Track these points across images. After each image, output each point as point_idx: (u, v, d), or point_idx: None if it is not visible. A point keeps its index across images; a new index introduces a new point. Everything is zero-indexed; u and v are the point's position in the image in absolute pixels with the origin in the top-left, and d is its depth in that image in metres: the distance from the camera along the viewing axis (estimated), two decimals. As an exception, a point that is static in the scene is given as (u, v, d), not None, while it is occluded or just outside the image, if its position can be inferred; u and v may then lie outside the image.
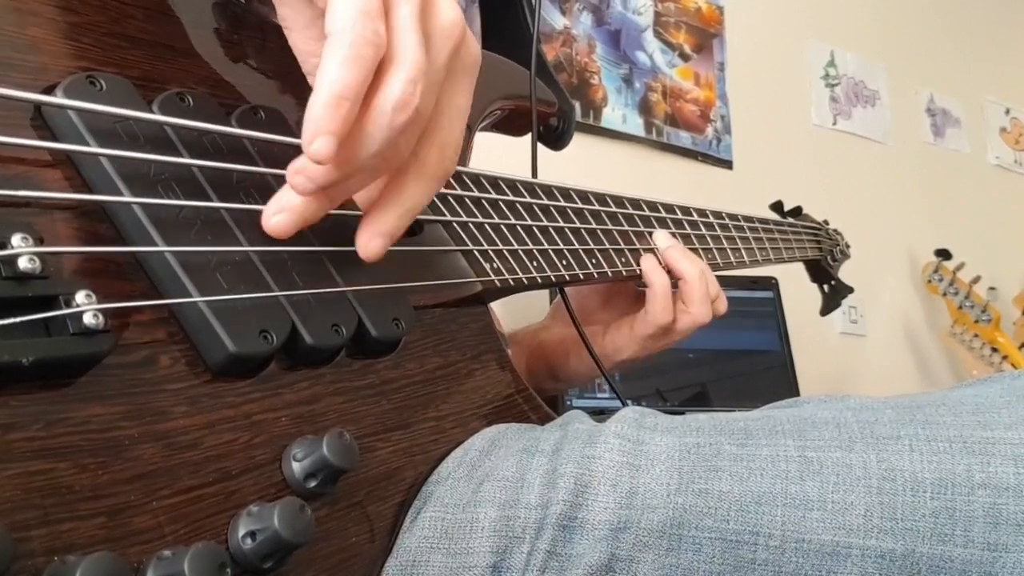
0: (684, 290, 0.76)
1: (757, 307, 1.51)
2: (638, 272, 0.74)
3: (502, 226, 0.59)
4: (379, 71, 0.37)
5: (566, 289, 0.83)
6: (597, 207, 0.71)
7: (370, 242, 0.41)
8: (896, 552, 0.40)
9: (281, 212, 0.38)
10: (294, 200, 0.38)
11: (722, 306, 0.80)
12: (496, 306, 0.67)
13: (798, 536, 0.41)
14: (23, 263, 0.31)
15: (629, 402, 0.59)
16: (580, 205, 0.69)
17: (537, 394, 0.66)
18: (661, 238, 0.77)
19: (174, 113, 0.40)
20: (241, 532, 0.34)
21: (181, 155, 0.39)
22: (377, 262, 0.42)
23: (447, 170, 0.42)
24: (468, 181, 0.58)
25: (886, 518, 0.41)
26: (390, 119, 0.37)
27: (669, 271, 0.76)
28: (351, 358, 0.44)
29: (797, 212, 1.19)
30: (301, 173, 0.38)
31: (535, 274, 0.60)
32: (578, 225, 0.67)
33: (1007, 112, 2.57)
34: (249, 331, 0.38)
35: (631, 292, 0.83)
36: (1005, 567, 0.39)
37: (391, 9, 0.37)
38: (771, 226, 1.01)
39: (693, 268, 0.76)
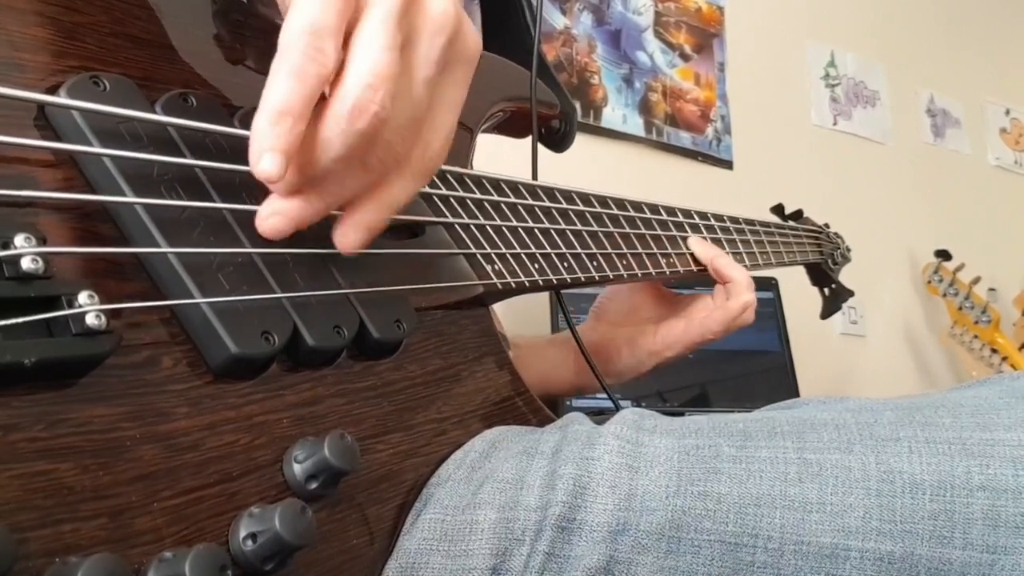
0: (735, 293, 0.82)
1: (757, 308, 1.51)
2: (640, 275, 0.74)
3: (504, 228, 0.59)
4: (337, 79, 0.36)
5: (609, 289, 0.90)
6: (598, 209, 0.71)
7: (347, 234, 0.40)
8: (895, 554, 0.40)
9: (274, 215, 0.38)
10: (285, 203, 0.38)
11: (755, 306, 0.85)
12: (497, 307, 0.67)
13: (797, 538, 0.41)
14: (26, 263, 0.31)
15: (628, 403, 0.59)
16: (581, 207, 0.69)
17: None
18: (700, 246, 0.82)
19: (177, 114, 0.40)
20: (242, 534, 0.34)
21: (184, 156, 0.39)
22: (378, 263, 0.42)
23: (431, 167, 0.41)
24: (470, 183, 0.58)
25: (885, 520, 0.41)
26: (346, 124, 0.36)
27: (716, 275, 0.82)
28: (352, 360, 0.44)
29: (798, 215, 1.19)
30: (274, 214, 0.37)
31: (536, 276, 0.60)
32: (579, 228, 0.67)
33: (1007, 113, 2.57)
34: (251, 332, 0.38)
35: (675, 295, 0.88)
36: (1004, 569, 0.39)
37: (362, 14, 0.37)
38: (772, 229, 1.01)
39: (742, 274, 0.82)
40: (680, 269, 0.80)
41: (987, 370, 1.95)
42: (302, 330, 0.40)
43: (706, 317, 0.81)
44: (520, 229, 0.60)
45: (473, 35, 0.41)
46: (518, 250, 0.59)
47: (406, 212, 0.46)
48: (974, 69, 2.51)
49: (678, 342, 0.82)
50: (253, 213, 0.40)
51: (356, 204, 0.41)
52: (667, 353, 0.83)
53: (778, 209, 1.19)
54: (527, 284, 0.59)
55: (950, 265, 2.02)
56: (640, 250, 0.75)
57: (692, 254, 0.82)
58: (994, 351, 1.96)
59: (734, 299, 0.81)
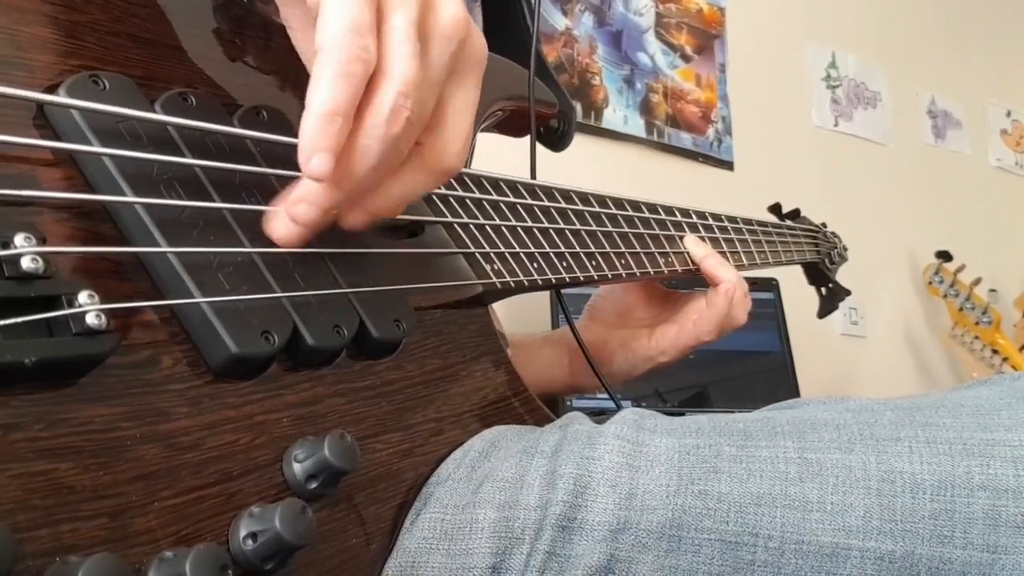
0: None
1: (757, 308, 1.50)
2: (638, 274, 0.74)
3: (503, 228, 0.59)
4: (372, 82, 0.37)
5: (603, 287, 0.89)
6: (597, 209, 0.71)
7: (353, 214, 0.41)
8: (895, 554, 0.40)
9: (302, 202, 0.38)
10: (314, 190, 0.38)
11: (749, 304, 0.85)
12: (497, 307, 0.68)
13: (797, 537, 0.41)
14: (26, 263, 0.31)
15: (628, 403, 0.59)
16: (580, 207, 0.69)
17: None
18: (694, 245, 0.82)
19: (177, 113, 0.40)
20: (242, 533, 0.34)
21: (184, 155, 0.39)
22: (378, 263, 0.42)
23: (452, 166, 0.42)
24: (469, 182, 0.58)
25: (885, 520, 0.41)
26: (383, 132, 0.37)
27: (706, 276, 0.81)
28: (352, 359, 0.44)
29: (795, 214, 1.19)
30: (303, 200, 0.38)
31: (535, 276, 0.60)
32: (579, 227, 0.67)
33: (1008, 114, 2.57)
34: (251, 332, 0.38)
35: (667, 292, 0.87)
36: (1004, 569, 0.39)
37: (386, 17, 0.37)
38: (769, 228, 1.01)
39: (733, 274, 0.81)
40: (679, 268, 0.80)
41: (988, 371, 1.95)
42: (302, 330, 0.40)
43: (698, 319, 0.80)
44: (519, 228, 0.60)
45: (480, 40, 0.42)
46: (517, 249, 0.59)
47: (405, 211, 0.46)
48: (975, 70, 2.51)
49: (672, 347, 0.81)
50: (253, 213, 0.40)
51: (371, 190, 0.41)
52: (661, 359, 0.82)
53: (775, 208, 1.19)
54: (526, 283, 0.59)
55: (951, 266, 2.02)
56: (639, 249, 0.75)
57: (689, 253, 0.82)
58: (995, 352, 1.96)
59: (721, 297, 0.81)
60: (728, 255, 0.88)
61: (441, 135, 0.41)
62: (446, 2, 0.40)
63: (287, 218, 0.39)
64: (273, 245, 0.40)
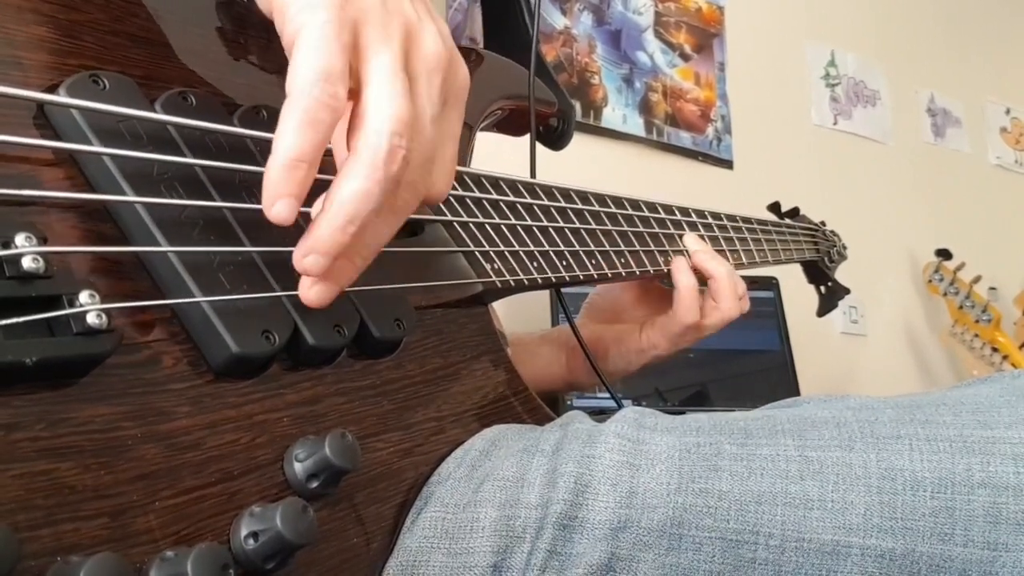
0: (714, 288, 0.81)
1: (757, 307, 1.50)
2: (638, 272, 0.74)
3: (503, 226, 0.59)
4: (361, 125, 0.37)
5: (601, 285, 0.89)
6: (597, 208, 0.71)
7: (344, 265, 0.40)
8: (896, 551, 0.40)
9: (312, 253, 0.37)
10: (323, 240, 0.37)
11: (746, 304, 0.84)
12: (497, 305, 0.68)
13: (798, 535, 0.41)
14: (27, 263, 0.31)
15: (629, 402, 0.59)
16: (580, 206, 0.69)
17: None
18: (691, 241, 0.82)
19: (177, 112, 0.40)
20: (243, 533, 0.34)
21: (184, 154, 0.39)
22: (378, 262, 0.42)
23: (439, 192, 0.42)
24: (469, 181, 0.58)
25: (886, 517, 0.41)
26: (383, 173, 0.36)
27: (698, 271, 0.80)
28: (352, 358, 0.44)
29: (794, 213, 1.19)
30: (313, 252, 0.37)
31: (535, 275, 0.60)
32: (578, 226, 0.67)
33: (1007, 112, 2.57)
34: (251, 331, 0.38)
35: (663, 290, 0.86)
36: (1005, 566, 0.40)
37: (370, 58, 0.37)
38: (769, 227, 1.01)
39: (722, 267, 0.81)
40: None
41: (988, 369, 1.95)
42: (302, 329, 0.40)
43: (679, 306, 0.80)
44: (519, 227, 0.60)
45: (463, 68, 0.43)
46: (517, 248, 0.59)
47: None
48: (974, 68, 2.51)
49: (661, 337, 0.81)
50: (254, 212, 0.40)
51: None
52: (653, 351, 0.83)
53: (774, 207, 1.19)
54: (526, 282, 0.59)
55: (951, 264, 2.02)
56: (638, 248, 0.75)
57: (685, 248, 0.82)
58: (995, 350, 1.96)
59: (711, 295, 0.80)
60: (727, 254, 0.88)
61: (432, 164, 0.41)
62: (426, 37, 0.40)
63: (304, 275, 0.38)
64: (273, 245, 0.40)
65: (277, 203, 0.35)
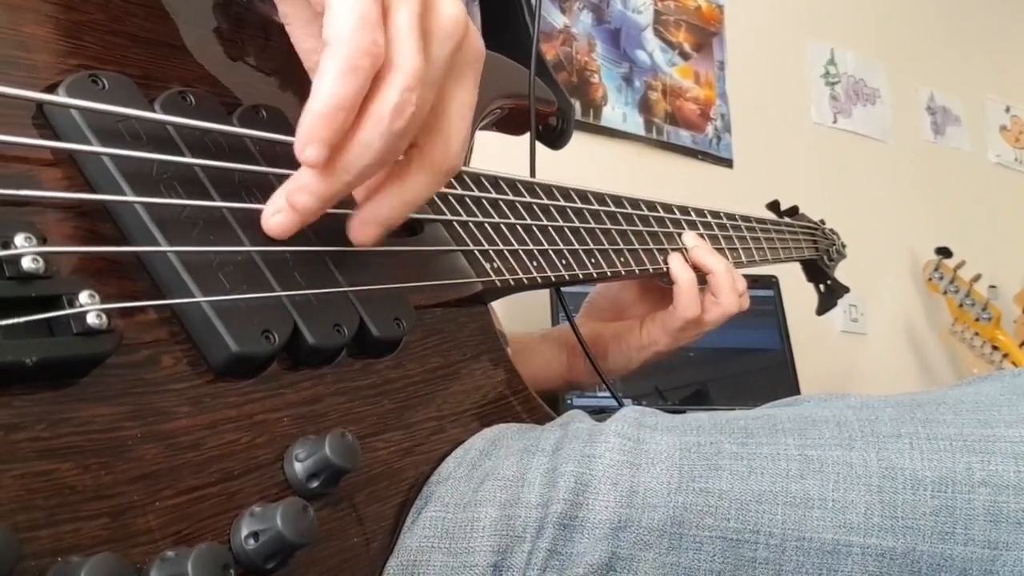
0: (713, 283, 0.81)
1: (757, 306, 1.50)
2: (638, 271, 0.74)
3: (502, 226, 0.59)
4: (377, 76, 0.37)
5: (601, 284, 0.89)
6: (597, 207, 0.71)
7: (364, 229, 0.42)
8: (897, 550, 0.40)
9: (279, 212, 0.38)
10: (312, 179, 0.38)
11: (746, 301, 0.84)
12: (496, 305, 0.67)
13: (799, 534, 0.41)
14: (26, 263, 0.31)
15: (629, 401, 0.59)
16: (580, 205, 0.69)
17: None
18: (689, 238, 0.82)
19: (176, 112, 0.40)
20: (244, 533, 0.34)
21: (183, 154, 0.39)
22: (378, 261, 0.42)
23: (452, 166, 0.42)
24: (468, 180, 0.58)
25: (887, 516, 0.41)
26: (387, 126, 0.37)
27: (696, 268, 0.80)
28: (352, 358, 0.44)
29: (794, 211, 1.19)
30: (303, 190, 0.38)
31: (535, 274, 0.60)
32: (578, 225, 0.67)
33: (1007, 110, 2.57)
34: (251, 331, 0.38)
35: (663, 288, 0.86)
36: (1006, 565, 0.40)
37: (390, 12, 0.37)
38: (768, 226, 1.01)
39: (720, 263, 0.81)
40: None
41: (988, 367, 1.95)
42: (302, 329, 0.40)
43: (678, 301, 0.80)
44: (519, 226, 0.60)
45: (478, 40, 0.42)
46: (516, 247, 0.59)
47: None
48: (974, 67, 2.51)
49: (661, 333, 0.82)
50: (253, 212, 0.40)
51: (375, 197, 0.41)
52: (653, 347, 0.83)
53: (774, 205, 1.19)
54: (526, 281, 0.59)
55: (951, 262, 2.02)
56: (638, 247, 0.75)
57: (686, 248, 0.82)
58: (995, 348, 1.96)
59: (711, 290, 0.81)
60: (727, 252, 0.88)
61: (441, 135, 0.41)
62: (445, 1, 0.40)
63: (283, 206, 0.38)
64: (273, 244, 0.40)
65: (310, 146, 0.35)
